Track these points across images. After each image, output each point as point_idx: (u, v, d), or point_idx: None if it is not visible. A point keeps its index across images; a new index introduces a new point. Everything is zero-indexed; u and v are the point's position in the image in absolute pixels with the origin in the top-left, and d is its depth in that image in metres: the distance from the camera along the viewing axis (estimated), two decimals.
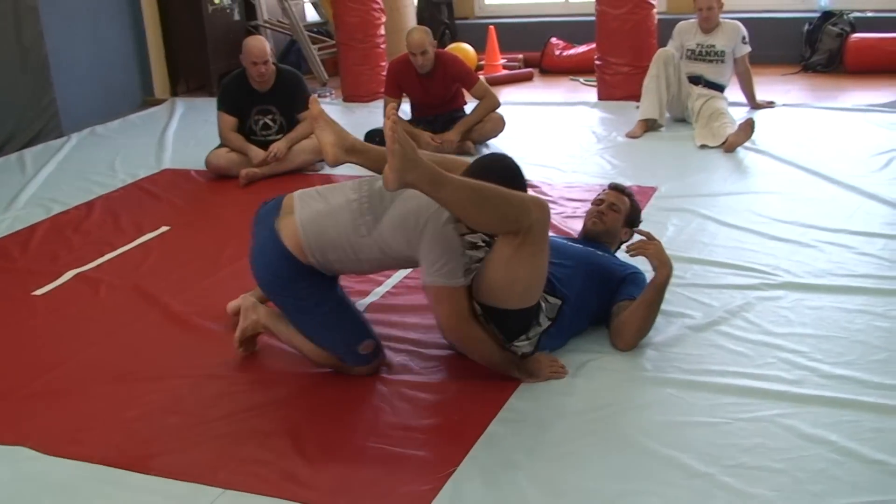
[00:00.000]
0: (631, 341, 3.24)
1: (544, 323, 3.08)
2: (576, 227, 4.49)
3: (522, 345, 3.06)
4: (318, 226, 2.98)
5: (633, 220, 3.66)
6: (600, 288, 3.32)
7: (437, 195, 2.73)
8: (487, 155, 3.39)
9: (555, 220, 4.56)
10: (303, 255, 2.98)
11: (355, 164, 3.27)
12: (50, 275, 4.34)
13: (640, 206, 3.77)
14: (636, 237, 3.39)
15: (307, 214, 3.01)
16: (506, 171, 3.05)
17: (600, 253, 3.49)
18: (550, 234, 3.00)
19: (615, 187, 3.71)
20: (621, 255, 3.58)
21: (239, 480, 2.65)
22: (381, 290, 3.91)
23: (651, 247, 3.24)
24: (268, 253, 3.04)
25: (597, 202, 3.66)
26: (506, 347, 3.06)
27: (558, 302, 3.12)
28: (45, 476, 2.76)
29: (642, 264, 3.37)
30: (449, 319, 2.95)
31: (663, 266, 3.19)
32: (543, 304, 3.07)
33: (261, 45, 5.66)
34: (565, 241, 3.59)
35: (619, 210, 3.60)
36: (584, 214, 3.71)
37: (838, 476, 2.51)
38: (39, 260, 4.60)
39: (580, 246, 3.51)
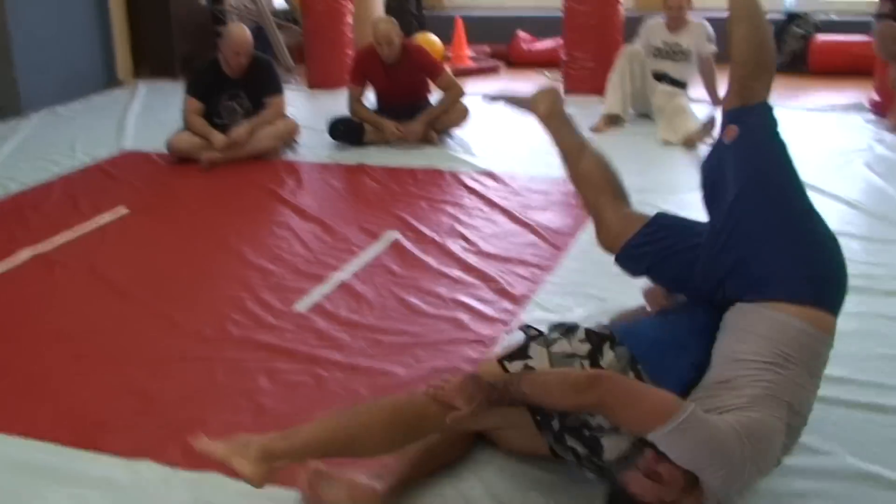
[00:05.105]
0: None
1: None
2: (537, 218, 4.53)
3: None
4: None
5: None
6: None
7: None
8: None
9: (517, 211, 4.58)
10: None
11: None
12: (5, 254, 4.29)
13: None
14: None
15: None
16: None
17: None
18: None
19: None
20: None
21: (191, 460, 2.61)
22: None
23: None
24: None
25: None
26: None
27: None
28: None
29: None
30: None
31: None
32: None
33: (245, 37, 5.68)
34: None
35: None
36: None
37: None
38: None
39: None
